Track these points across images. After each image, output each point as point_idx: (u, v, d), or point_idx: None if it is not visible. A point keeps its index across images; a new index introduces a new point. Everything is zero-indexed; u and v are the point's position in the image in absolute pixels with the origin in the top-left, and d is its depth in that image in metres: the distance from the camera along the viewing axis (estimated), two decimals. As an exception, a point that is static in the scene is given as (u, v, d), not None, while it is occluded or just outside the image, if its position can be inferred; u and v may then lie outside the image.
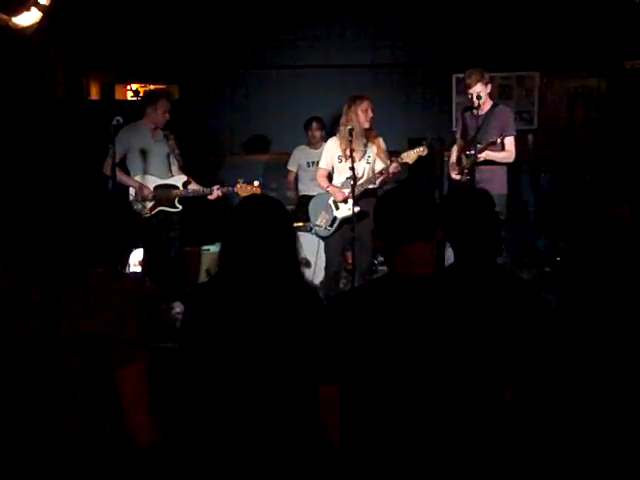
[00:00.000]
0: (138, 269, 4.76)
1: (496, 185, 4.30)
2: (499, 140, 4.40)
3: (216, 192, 4.75)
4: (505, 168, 4.54)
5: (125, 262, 4.61)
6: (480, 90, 4.45)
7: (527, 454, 1.95)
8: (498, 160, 4.48)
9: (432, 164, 5.57)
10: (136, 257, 4.88)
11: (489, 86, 4.54)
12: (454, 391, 1.69)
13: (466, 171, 4.52)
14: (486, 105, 4.56)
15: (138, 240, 4.78)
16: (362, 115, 4.31)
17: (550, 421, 2.01)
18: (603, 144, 6.26)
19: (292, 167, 6.00)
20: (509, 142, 4.50)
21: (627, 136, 6.03)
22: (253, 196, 2.32)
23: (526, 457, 1.95)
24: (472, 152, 4.42)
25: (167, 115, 4.79)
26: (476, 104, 4.44)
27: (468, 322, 1.72)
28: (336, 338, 1.76)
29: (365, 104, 4.32)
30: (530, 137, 6.60)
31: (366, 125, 4.33)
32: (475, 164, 4.41)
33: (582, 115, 6.47)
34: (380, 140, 4.47)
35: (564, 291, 2.15)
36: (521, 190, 6.16)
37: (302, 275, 2.06)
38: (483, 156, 4.41)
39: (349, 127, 4.25)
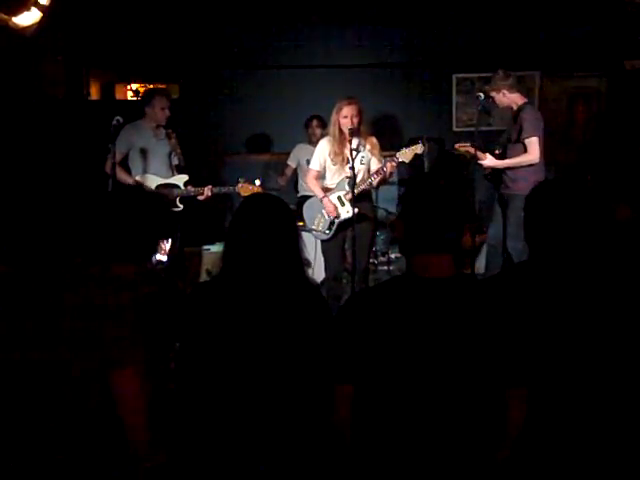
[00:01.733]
0: (164, 258, 4.73)
1: (520, 184, 4.38)
2: (473, 150, 4.48)
3: (206, 192, 4.73)
4: (532, 169, 4.46)
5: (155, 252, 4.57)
6: (492, 95, 4.62)
7: (540, 453, 1.94)
8: (522, 164, 4.49)
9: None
10: (164, 247, 4.85)
11: (503, 91, 4.58)
12: (468, 391, 1.69)
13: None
14: (516, 106, 4.64)
15: (172, 232, 4.73)
16: (343, 121, 4.22)
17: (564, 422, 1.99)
18: (603, 144, 6.26)
19: (291, 162, 5.98)
20: (530, 144, 4.49)
21: (627, 136, 6.03)
22: (256, 195, 2.30)
23: (539, 456, 1.94)
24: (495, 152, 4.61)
25: (167, 111, 4.76)
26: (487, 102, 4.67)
27: (485, 323, 1.70)
28: (353, 338, 1.74)
29: (345, 110, 4.20)
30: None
31: (345, 130, 4.18)
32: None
33: (582, 115, 6.46)
34: (373, 138, 4.39)
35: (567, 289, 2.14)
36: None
37: (305, 273, 2.05)
38: (504, 163, 4.56)
39: (349, 127, 4.21)
